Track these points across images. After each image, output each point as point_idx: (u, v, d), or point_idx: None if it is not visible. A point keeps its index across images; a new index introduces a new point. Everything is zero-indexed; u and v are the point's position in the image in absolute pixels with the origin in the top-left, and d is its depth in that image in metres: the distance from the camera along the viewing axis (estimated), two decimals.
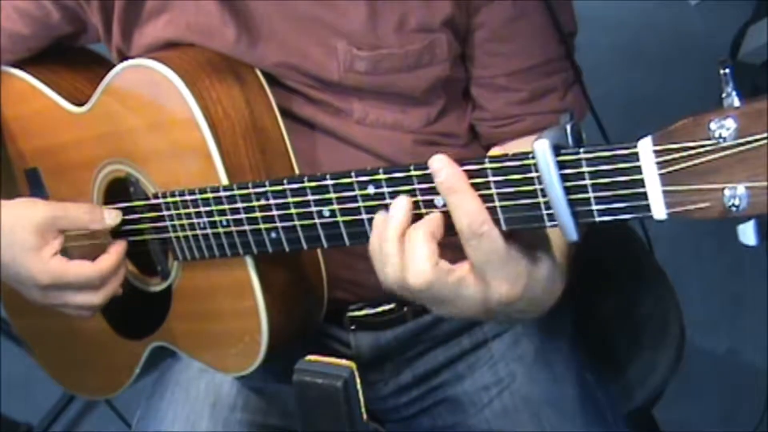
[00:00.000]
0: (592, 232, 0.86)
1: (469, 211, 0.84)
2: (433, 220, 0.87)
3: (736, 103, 0.70)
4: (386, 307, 1.25)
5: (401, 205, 0.89)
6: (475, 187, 0.84)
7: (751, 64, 2.43)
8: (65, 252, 1.21)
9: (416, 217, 0.89)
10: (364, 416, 0.81)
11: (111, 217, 1.19)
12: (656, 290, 1.49)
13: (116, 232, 1.21)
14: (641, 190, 0.75)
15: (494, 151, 0.87)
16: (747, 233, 0.72)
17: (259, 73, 1.14)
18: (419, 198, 0.89)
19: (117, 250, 1.19)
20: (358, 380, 0.80)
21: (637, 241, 1.53)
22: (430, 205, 0.88)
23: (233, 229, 1.07)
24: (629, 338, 1.46)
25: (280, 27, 1.11)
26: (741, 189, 0.70)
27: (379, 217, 0.91)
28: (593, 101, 1.21)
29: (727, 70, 0.71)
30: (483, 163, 0.83)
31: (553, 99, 1.15)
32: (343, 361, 0.81)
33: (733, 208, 0.71)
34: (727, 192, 0.71)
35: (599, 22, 2.49)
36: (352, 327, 1.26)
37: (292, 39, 1.11)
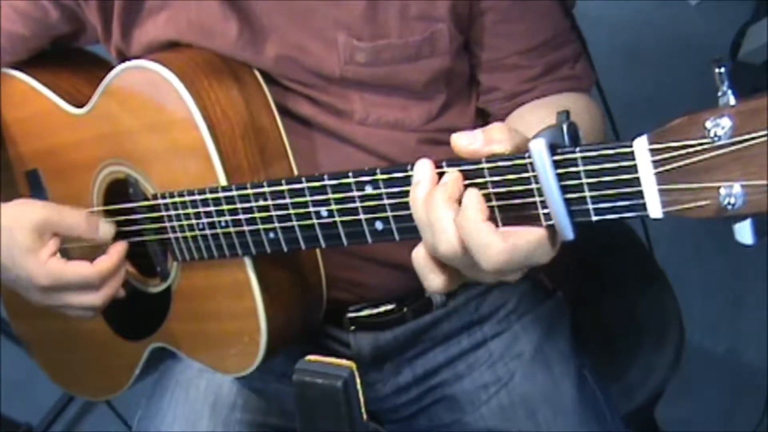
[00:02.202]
0: (593, 231, 0.86)
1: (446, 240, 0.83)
2: (450, 184, 0.85)
3: (732, 101, 0.70)
4: (386, 308, 1.25)
5: (425, 166, 0.87)
6: (472, 186, 0.84)
7: (751, 64, 2.42)
8: (65, 252, 1.21)
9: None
10: (364, 416, 0.81)
11: (105, 230, 1.20)
12: (656, 290, 1.49)
13: (116, 233, 1.21)
14: (637, 189, 0.75)
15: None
16: (743, 232, 0.72)
17: (257, 74, 1.14)
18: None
19: (117, 251, 1.19)
20: (358, 380, 0.80)
21: (637, 242, 1.53)
22: None
23: (232, 229, 1.07)
24: (629, 338, 1.46)
25: (280, 21, 1.11)
26: (737, 187, 0.70)
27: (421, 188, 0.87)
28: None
29: (723, 69, 0.71)
30: (480, 163, 0.83)
31: (565, 69, 1.16)
32: (343, 361, 0.81)
33: (729, 207, 0.71)
34: (722, 190, 0.71)
35: (599, 22, 2.48)
36: (352, 327, 1.26)
37: (293, 33, 1.11)
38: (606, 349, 1.44)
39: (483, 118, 1.20)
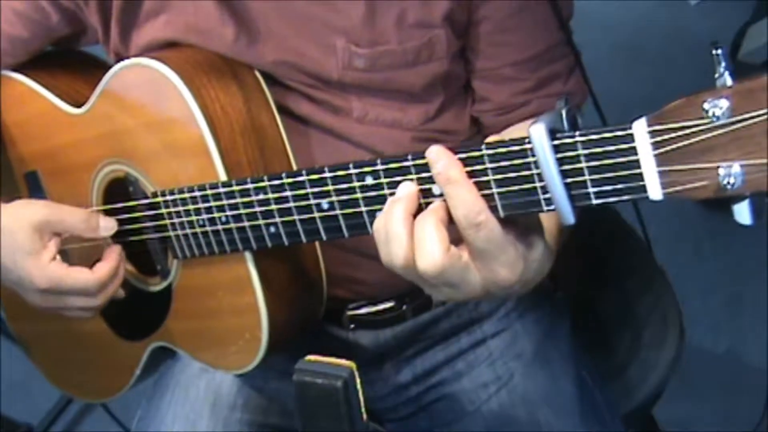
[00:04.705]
0: (593, 230, 0.86)
1: (465, 201, 0.83)
2: (442, 207, 0.86)
3: (729, 82, 0.71)
4: (385, 306, 1.25)
5: (408, 187, 0.88)
6: (472, 174, 0.84)
7: (751, 64, 2.42)
8: (64, 253, 1.21)
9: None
10: (364, 416, 0.81)
11: (106, 227, 1.20)
12: (656, 289, 1.49)
13: (116, 233, 1.21)
14: (637, 171, 0.75)
15: (492, 138, 0.86)
16: (742, 212, 0.72)
17: (257, 72, 1.14)
18: (417, 187, 0.89)
19: (113, 255, 1.19)
20: (358, 380, 0.80)
21: (637, 241, 1.53)
22: (428, 194, 0.88)
23: (232, 225, 1.07)
24: (629, 338, 1.46)
25: (278, 26, 1.12)
26: (736, 167, 0.70)
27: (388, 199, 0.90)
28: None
29: (720, 51, 0.72)
30: (480, 150, 0.83)
31: (557, 84, 1.16)
32: (343, 361, 0.81)
33: (728, 186, 0.71)
34: (721, 170, 0.71)
35: (599, 22, 2.49)
36: (352, 326, 1.26)
37: (291, 37, 1.11)
38: (606, 347, 1.44)
39: (479, 121, 1.21)
